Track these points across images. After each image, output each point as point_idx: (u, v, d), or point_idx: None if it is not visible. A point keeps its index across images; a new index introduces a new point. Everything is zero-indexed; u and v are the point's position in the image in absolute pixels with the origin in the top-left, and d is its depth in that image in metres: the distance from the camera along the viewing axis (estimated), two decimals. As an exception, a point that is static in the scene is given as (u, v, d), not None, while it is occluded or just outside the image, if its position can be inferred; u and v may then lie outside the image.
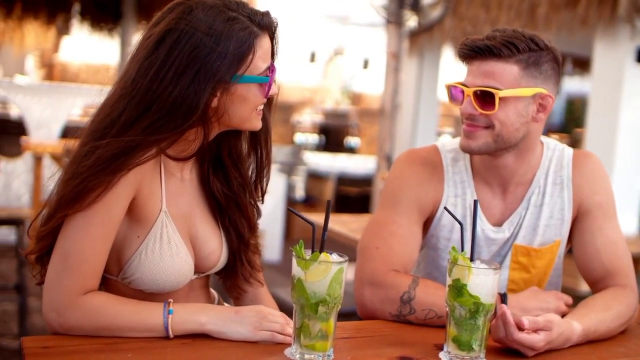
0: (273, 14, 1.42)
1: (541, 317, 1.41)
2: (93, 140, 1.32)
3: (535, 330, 1.38)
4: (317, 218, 1.31)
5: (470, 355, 1.33)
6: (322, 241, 1.28)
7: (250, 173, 1.55)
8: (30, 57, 12.75)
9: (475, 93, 1.61)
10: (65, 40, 12.32)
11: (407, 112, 6.78)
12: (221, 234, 1.54)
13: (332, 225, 3.68)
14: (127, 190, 1.34)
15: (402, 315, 1.56)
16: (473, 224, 1.39)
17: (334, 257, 1.28)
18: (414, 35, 6.25)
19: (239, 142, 1.52)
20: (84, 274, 1.31)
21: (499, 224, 1.74)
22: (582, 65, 7.61)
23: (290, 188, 7.93)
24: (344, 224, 3.75)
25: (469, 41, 1.62)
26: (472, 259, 1.35)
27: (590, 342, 1.50)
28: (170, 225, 1.42)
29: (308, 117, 12.70)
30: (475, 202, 1.43)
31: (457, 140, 1.73)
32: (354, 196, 8.39)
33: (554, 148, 1.78)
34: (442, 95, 1.73)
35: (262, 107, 1.43)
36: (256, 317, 1.34)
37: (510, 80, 1.59)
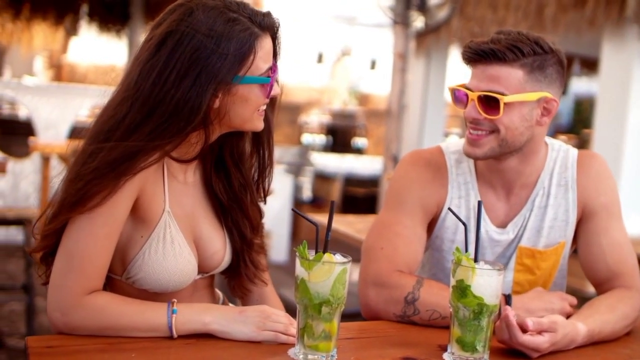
0: (276, 15, 1.42)
1: (545, 319, 1.40)
2: (97, 142, 1.32)
3: (540, 332, 1.38)
4: (323, 219, 1.31)
5: (474, 356, 1.33)
6: (326, 241, 1.28)
7: (253, 173, 1.55)
8: (39, 58, 12.81)
9: (479, 97, 1.60)
10: (74, 41, 12.37)
11: (414, 113, 6.78)
12: (224, 234, 1.55)
13: (338, 226, 3.68)
14: (131, 192, 1.35)
15: (406, 315, 1.56)
16: (477, 225, 1.39)
17: (338, 257, 1.28)
18: (421, 35, 6.24)
19: (241, 143, 1.52)
20: (88, 274, 1.32)
21: (503, 225, 1.74)
22: (590, 65, 7.59)
23: (297, 189, 7.94)
24: (350, 225, 3.75)
25: (473, 44, 1.61)
26: (476, 260, 1.34)
27: (595, 343, 1.49)
28: (174, 226, 1.43)
29: (315, 118, 12.71)
30: (479, 203, 1.43)
31: (462, 141, 1.73)
32: (361, 197, 8.39)
33: (559, 149, 1.77)
34: (449, 96, 1.74)
35: (264, 107, 1.43)
36: (260, 317, 1.34)
37: (515, 84, 1.58)
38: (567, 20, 4.79)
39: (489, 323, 1.33)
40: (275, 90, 1.42)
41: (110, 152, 1.30)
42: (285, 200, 6.47)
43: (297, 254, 1.27)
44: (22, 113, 8.46)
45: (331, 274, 1.25)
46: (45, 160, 5.95)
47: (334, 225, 3.95)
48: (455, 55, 6.40)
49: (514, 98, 1.58)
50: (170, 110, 1.31)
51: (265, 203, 1.61)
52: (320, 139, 12.18)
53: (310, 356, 1.27)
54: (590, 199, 1.72)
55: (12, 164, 6.44)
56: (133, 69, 1.35)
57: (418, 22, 5.95)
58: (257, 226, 1.58)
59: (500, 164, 1.69)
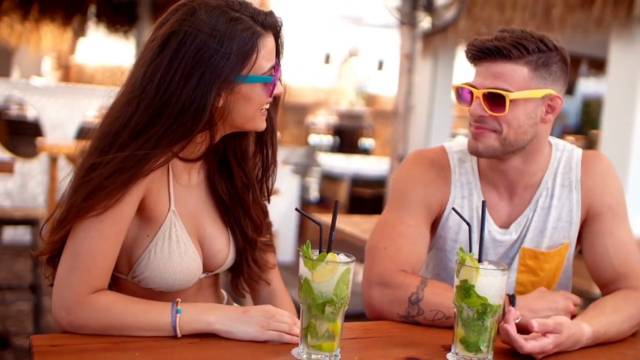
0: (283, 15, 1.43)
1: (550, 319, 1.40)
2: (103, 144, 1.33)
3: (544, 333, 1.38)
4: (329, 219, 1.31)
5: (477, 357, 1.33)
6: (330, 241, 1.28)
7: (257, 172, 1.56)
8: (47, 58, 12.85)
9: (484, 95, 1.60)
10: (82, 42, 12.41)
11: (421, 114, 6.77)
12: (228, 233, 1.55)
13: (345, 226, 3.68)
14: (138, 193, 1.36)
15: (410, 316, 1.56)
16: (481, 226, 1.39)
17: (341, 257, 1.28)
18: (428, 36, 6.23)
19: (244, 142, 1.52)
20: (93, 273, 1.33)
21: (505, 225, 1.73)
22: (598, 66, 7.56)
23: (304, 189, 7.94)
24: (356, 225, 3.75)
25: (478, 42, 1.61)
26: (480, 260, 1.34)
27: (600, 344, 1.49)
28: (179, 225, 1.43)
29: (322, 119, 12.70)
30: (483, 203, 1.43)
31: (465, 141, 1.73)
32: (368, 197, 8.38)
33: (563, 149, 1.76)
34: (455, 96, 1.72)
35: (267, 106, 1.43)
36: (264, 317, 1.34)
37: (520, 81, 1.58)
38: (574, 21, 4.78)
39: (493, 323, 1.32)
40: (278, 89, 1.42)
41: (118, 159, 1.30)
42: (292, 200, 6.46)
43: (300, 253, 1.27)
44: (30, 113, 8.49)
45: (335, 274, 1.25)
46: (53, 160, 5.98)
47: (341, 225, 3.94)
48: (462, 55, 6.37)
49: (519, 95, 1.58)
50: (177, 112, 1.31)
51: (269, 202, 1.61)
52: (327, 139, 12.17)
53: (313, 356, 1.27)
54: (594, 199, 1.72)
55: (20, 165, 6.46)
56: (137, 70, 1.36)
57: (425, 22, 5.94)
58: (259, 225, 1.59)
59: (503, 164, 1.69)
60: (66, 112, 6.76)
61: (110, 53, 11.55)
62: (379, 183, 8.30)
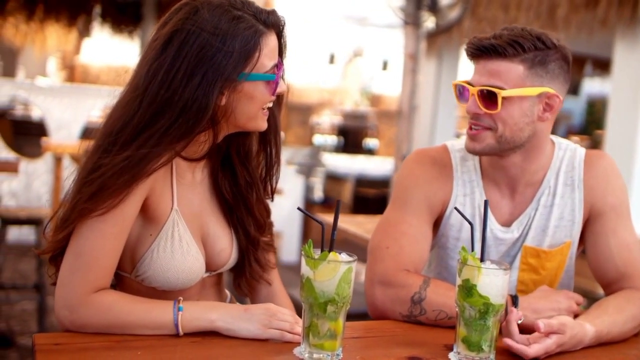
0: (287, 15, 1.43)
1: (555, 320, 1.39)
2: (106, 143, 1.33)
3: (547, 334, 1.38)
4: (332, 218, 1.31)
5: (480, 356, 1.32)
6: (332, 240, 1.28)
7: (260, 170, 1.56)
8: (52, 59, 12.88)
9: (479, 92, 1.60)
10: (86, 42, 12.44)
11: (425, 114, 6.76)
12: (231, 232, 1.56)
13: (348, 226, 3.68)
14: (141, 193, 1.36)
15: (412, 315, 1.56)
16: (484, 224, 1.38)
17: (343, 256, 1.28)
18: (432, 36, 6.22)
19: (247, 141, 1.53)
20: (96, 272, 1.33)
21: (507, 224, 1.73)
22: (603, 66, 7.54)
23: (309, 189, 7.94)
24: (360, 225, 3.74)
25: (475, 40, 1.62)
26: (482, 259, 1.34)
27: (603, 344, 1.48)
28: (182, 224, 1.43)
29: (327, 119, 12.71)
30: (485, 202, 1.42)
31: None
32: (372, 198, 8.38)
33: (566, 148, 1.76)
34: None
35: (270, 105, 1.44)
36: (265, 315, 1.34)
37: (514, 79, 1.58)
38: (579, 21, 4.77)
39: (495, 322, 1.32)
40: (281, 88, 1.43)
41: (120, 158, 1.30)
42: (296, 200, 6.47)
43: (302, 252, 1.28)
44: (35, 114, 8.51)
45: (336, 273, 1.25)
46: (58, 160, 6.00)
47: (345, 225, 3.93)
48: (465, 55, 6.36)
49: (512, 92, 1.58)
50: (179, 110, 1.32)
51: (272, 200, 1.61)
52: (332, 139, 12.18)
53: (315, 355, 1.27)
54: (597, 199, 1.71)
55: (25, 164, 6.48)
56: (140, 69, 1.37)
57: (429, 22, 5.93)
58: (262, 225, 1.59)
59: (503, 161, 1.68)
60: (71, 112, 6.78)
61: (115, 53, 11.57)
62: (383, 183, 8.29)
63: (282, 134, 1.59)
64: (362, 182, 8.61)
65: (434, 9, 5.63)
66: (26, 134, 7.88)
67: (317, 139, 11.91)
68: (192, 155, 1.45)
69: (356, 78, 15.10)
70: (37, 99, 6.84)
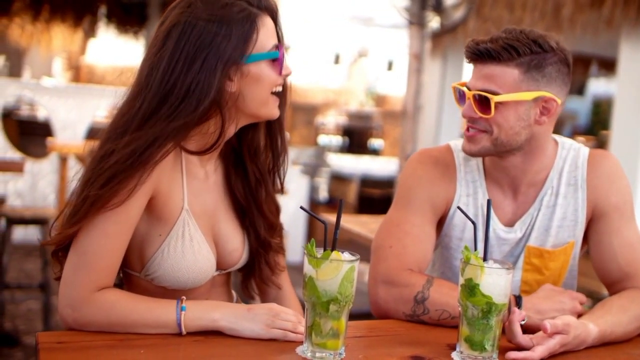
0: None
1: (559, 320, 1.39)
2: (113, 136, 1.35)
3: (551, 334, 1.37)
4: (334, 218, 1.32)
5: (482, 356, 1.32)
6: (334, 239, 1.28)
7: (268, 164, 1.58)
8: (58, 59, 12.92)
9: (474, 96, 1.60)
10: (92, 43, 12.48)
11: (429, 114, 6.75)
12: (244, 233, 1.57)
13: (353, 226, 3.68)
14: (144, 190, 1.36)
15: (415, 315, 1.56)
16: (486, 224, 1.38)
17: (346, 255, 1.28)
18: (437, 36, 6.21)
19: (256, 136, 1.55)
20: (99, 270, 1.34)
21: (510, 224, 1.72)
22: (608, 66, 7.53)
23: (314, 189, 7.94)
24: (364, 225, 3.75)
25: (472, 43, 1.62)
26: (485, 259, 1.34)
27: (607, 344, 1.48)
28: (192, 223, 1.44)
29: (332, 119, 12.71)
30: (488, 202, 1.42)
31: None
32: (377, 198, 8.37)
33: (569, 148, 1.75)
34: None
35: (279, 88, 1.45)
36: (268, 315, 1.35)
37: (509, 83, 1.57)
38: (584, 21, 4.76)
39: (497, 322, 1.32)
40: (287, 70, 1.45)
41: (126, 146, 1.32)
42: (300, 200, 6.47)
43: (305, 251, 1.28)
44: (41, 114, 8.55)
45: (339, 272, 1.25)
46: (63, 160, 6.02)
47: (349, 225, 3.93)
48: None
49: (506, 97, 1.57)
50: (182, 95, 1.35)
51: (282, 193, 1.62)
52: (337, 140, 12.18)
53: (318, 354, 1.27)
54: (600, 199, 1.70)
55: (30, 164, 6.50)
56: (143, 66, 1.40)
57: (434, 22, 5.93)
58: (273, 225, 1.60)
59: (503, 161, 1.68)
60: (76, 113, 6.80)
61: (120, 53, 11.61)
62: (388, 183, 8.29)
63: (287, 134, 1.60)
64: (367, 182, 8.61)
65: (438, 9, 5.62)
66: (32, 134, 7.91)
67: (322, 139, 11.91)
68: (202, 148, 1.44)
69: (361, 78, 15.10)
70: (42, 99, 6.86)
